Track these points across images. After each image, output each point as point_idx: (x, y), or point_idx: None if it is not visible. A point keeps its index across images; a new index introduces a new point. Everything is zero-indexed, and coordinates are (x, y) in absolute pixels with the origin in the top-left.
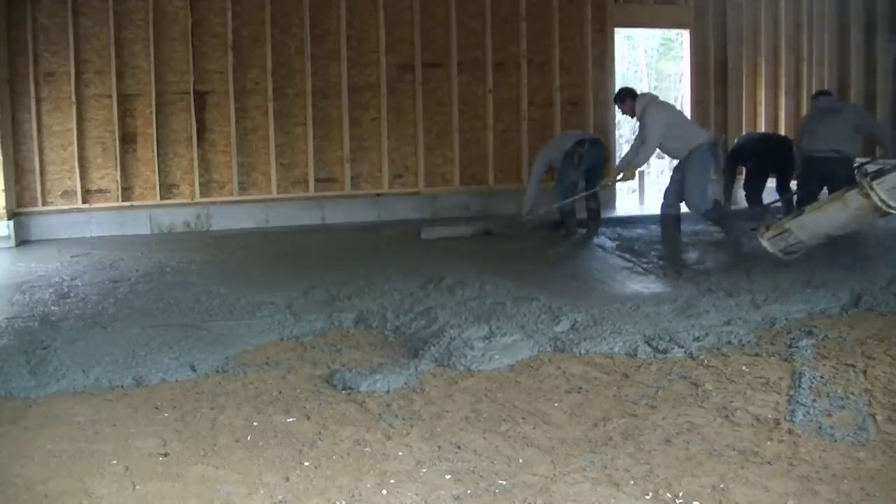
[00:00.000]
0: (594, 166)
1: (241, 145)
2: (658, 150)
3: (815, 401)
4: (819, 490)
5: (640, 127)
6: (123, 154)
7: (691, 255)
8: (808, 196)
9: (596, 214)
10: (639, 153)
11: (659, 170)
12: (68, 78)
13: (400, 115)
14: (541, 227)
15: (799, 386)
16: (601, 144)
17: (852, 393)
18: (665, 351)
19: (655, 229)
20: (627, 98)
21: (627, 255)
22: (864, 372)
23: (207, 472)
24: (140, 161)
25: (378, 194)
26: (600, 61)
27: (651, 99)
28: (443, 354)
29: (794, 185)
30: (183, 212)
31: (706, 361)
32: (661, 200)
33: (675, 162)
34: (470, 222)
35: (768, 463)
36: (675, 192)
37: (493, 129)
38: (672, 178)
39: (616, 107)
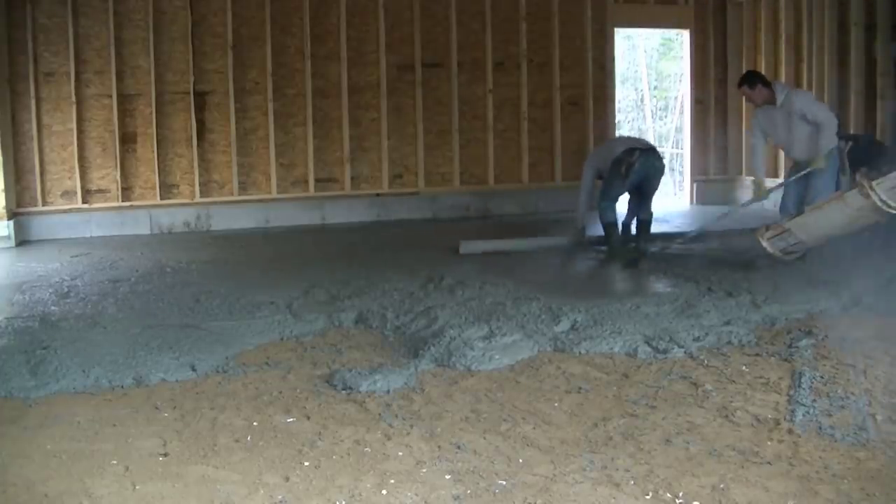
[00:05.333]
0: (646, 179)
1: (241, 145)
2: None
3: (815, 401)
4: (819, 490)
5: (797, 114)
6: (123, 154)
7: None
8: None
9: (647, 227)
10: (824, 136)
11: None
12: (68, 78)
13: (400, 115)
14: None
15: (799, 386)
16: (656, 154)
17: (852, 393)
18: (665, 351)
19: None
20: (758, 84)
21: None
22: (864, 372)
23: (207, 472)
24: (140, 161)
25: (378, 194)
26: (600, 61)
27: (791, 86)
28: (443, 354)
29: None
30: (183, 212)
31: (706, 361)
32: (781, 208)
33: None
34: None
35: (768, 463)
36: (798, 201)
37: (493, 129)
38: (789, 183)
39: (743, 91)
